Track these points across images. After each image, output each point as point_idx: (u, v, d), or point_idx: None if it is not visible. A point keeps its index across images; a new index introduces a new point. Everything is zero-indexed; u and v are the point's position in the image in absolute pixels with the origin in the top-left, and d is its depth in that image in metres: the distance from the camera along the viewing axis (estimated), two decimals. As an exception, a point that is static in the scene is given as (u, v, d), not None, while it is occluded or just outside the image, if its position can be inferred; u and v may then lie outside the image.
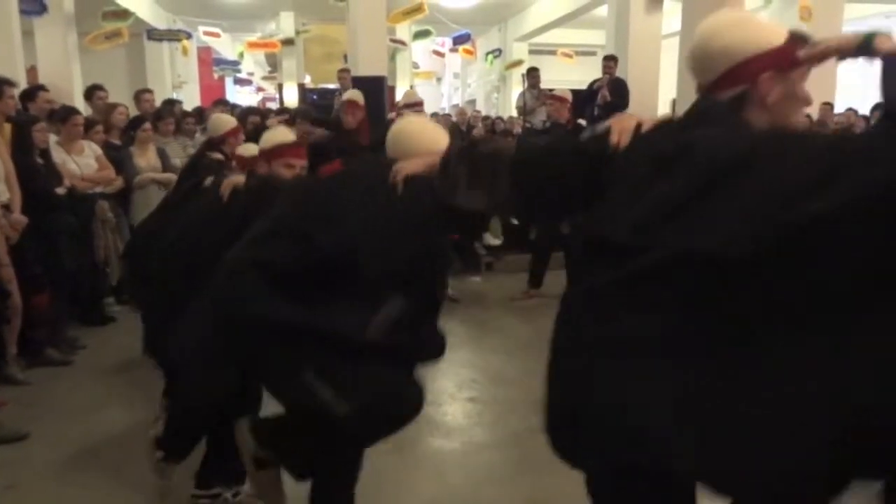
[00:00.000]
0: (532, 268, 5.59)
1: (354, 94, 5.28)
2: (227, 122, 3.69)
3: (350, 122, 5.08)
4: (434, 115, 9.14)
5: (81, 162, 4.63)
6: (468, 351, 4.33)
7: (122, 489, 2.74)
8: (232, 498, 2.54)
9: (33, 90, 4.86)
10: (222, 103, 6.60)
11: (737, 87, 1.26)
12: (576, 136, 6.90)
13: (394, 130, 1.93)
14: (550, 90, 8.40)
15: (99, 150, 4.80)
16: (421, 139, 1.84)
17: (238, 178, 2.45)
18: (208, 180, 2.68)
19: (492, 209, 1.44)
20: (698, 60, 1.31)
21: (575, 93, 7.68)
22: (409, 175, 1.56)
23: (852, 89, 12.92)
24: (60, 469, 2.89)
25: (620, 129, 1.30)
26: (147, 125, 5.21)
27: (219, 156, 3.31)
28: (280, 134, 2.63)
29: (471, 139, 1.52)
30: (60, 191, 4.18)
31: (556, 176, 1.36)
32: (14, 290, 3.63)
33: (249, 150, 2.84)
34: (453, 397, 3.67)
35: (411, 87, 10.22)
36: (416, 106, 5.52)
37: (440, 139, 1.85)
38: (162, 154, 5.20)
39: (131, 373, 3.82)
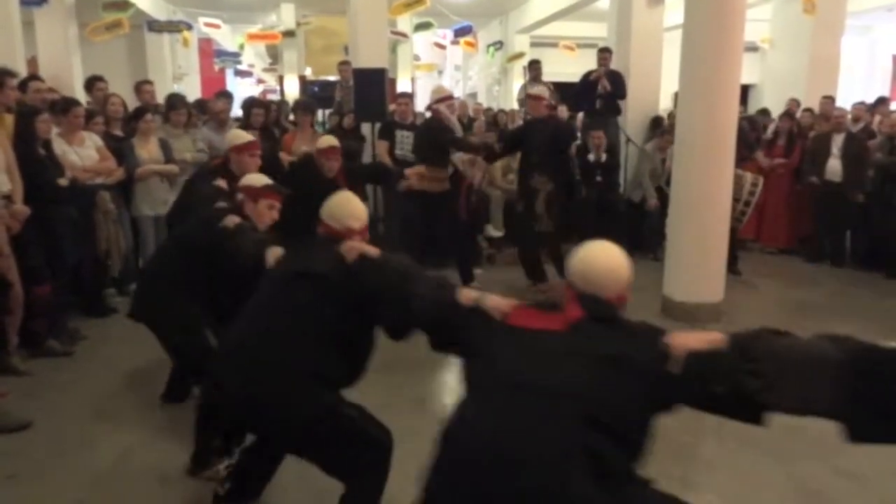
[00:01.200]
0: (521, 263, 5.57)
1: (330, 140, 4.47)
2: (240, 137, 3.71)
3: (331, 169, 4.31)
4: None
5: (82, 153, 4.62)
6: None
7: (125, 477, 2.76)
8: (224, 470, 2.61)
9: (24, 80, 4.80)
10: (224, 94, 6.57)
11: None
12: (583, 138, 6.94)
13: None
14: (552, 83, 8.42)
15: (100, 142, 4.79)
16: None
17: (233, 220, 2.73)
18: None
19: (800, 412, 1.42)
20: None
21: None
22: (691, 352, 1.55)
23: (855, 80, 12.87)
24: (61, 459, 2.91)
25: None
26: (149, 116, 5.17)
27: (223, 183, 3.31)
28: (262, 178, 2.93)
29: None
30: (62, 182, 4.18)
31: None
32: (15, 280, 3.64)
33: (257, 179, 2.95)
34: (452, 389, 3.68)
35: (439, 82, 10.08)
36: (447, 100, 5.44)
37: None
38: (164, 145, 5.18)
39: (132, 363, 3.84)
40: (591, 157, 6.89)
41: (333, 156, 4.31)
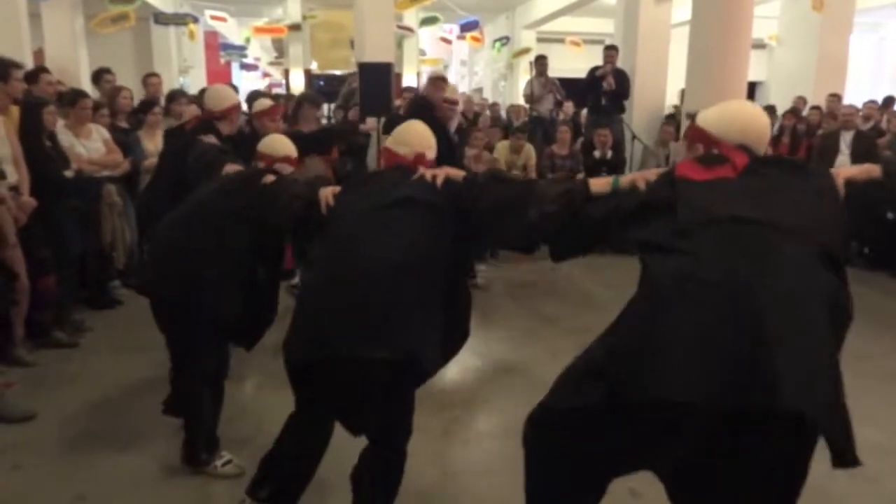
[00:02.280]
0: None
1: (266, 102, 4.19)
2: (228, 97, 3.49)
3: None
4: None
5: (89, 145, 4.63)
6: (472, 338, 4.30)
7: (129, 469, 2.77)
8: (221, 467, 2.62)
9: (36, 72, 4.84)
10: (230, 88, 6.57)
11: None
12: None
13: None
14: (558, 79, 8.40)
15: (107, 134, 4.80)
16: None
17: (269, 178, 2.46)
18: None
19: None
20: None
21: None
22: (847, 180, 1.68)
23: (863, 79, 12.80)
24: (67, 449, 2.92)
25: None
26: (157, 109, 5.19)
27: (212, 139, 3.15)
28: (283, 146, 2.75)
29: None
30: (68, 174, 4.18)
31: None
32: (22, 272, 3.65)
33: (278, 147, 2.72)
34: (456, 385, 3.68)
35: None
36: (437, 82, 5.26)
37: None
38: (169, 138, 5.19)
39: (137, 355, 3.85)
40: (597, 153, 6.88)
41: (275, 116, 3.98)
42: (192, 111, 4.65)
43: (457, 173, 2.03)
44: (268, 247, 2.46)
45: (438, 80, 4.67)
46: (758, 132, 1.70)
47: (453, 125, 5.32)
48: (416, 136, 2.18)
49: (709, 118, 1.73)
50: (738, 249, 1.44)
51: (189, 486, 2.65)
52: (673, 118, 7.14)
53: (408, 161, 2.12)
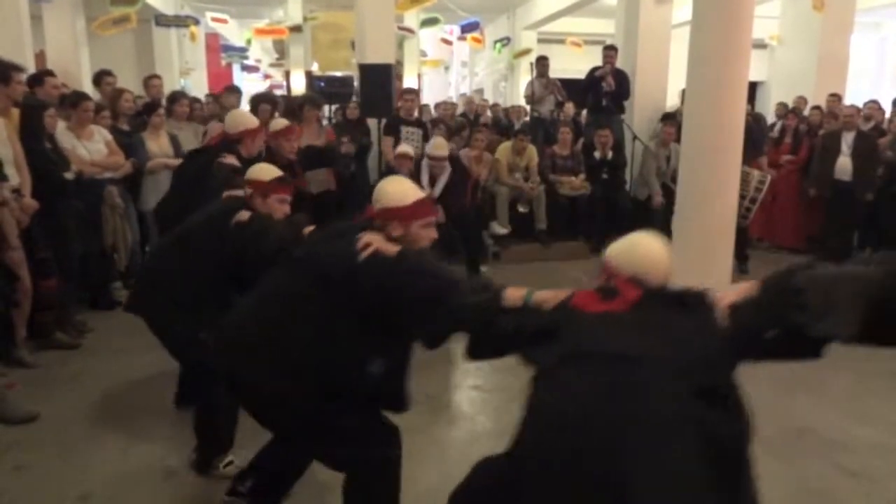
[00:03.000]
0: None
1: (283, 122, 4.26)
2: (242, 122, 3.55)
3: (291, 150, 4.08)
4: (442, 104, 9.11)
5: (91, 147, 4.64)
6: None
7: (131, 469, 2.78)
8: (222, 468, 2.62)
9: (41, 75, 4.86)
10: (233, 89, 6.59)
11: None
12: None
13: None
14: (559, 79, 8.40)
15: (109, 136, 4.81)
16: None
17: (244, 215, 2.54)
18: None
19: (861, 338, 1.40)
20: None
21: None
22: (731, 305, 1.58)
23: (864, 78, 12.78)
24: (69, 450, 2.92)
25: None
26: (161, 111, 5.21)
27: (233, 160, 3.27)
28: (270, 170, 2.69)
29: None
30: (69, 176, 4.20)
31: None
32: (24, 273, 3.66)
33: (265, 173, 2.72)
34: (458, 386, 3.69)
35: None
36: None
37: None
38: (174, 140, 5.21)
39: (138, 356, 3.85)
40: (597, 154, 6.89)
41: (291, 136, 4.07)
42: (216, 129, 4.74)
43: (388, 250, 1.94)
44: (246, 274, 2.43)
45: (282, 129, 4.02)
46: (652, 264, 1.71)
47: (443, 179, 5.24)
48: (382, 189, 2.10)
49: (613, 249, 1.78)
50: (607, 388, 1.47)
51: (191, 485, 2.66)
52: (672, 118, 7.15)
53: (370, 214, 2.08)
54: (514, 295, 1.83)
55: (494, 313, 1.80)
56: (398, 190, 2.08)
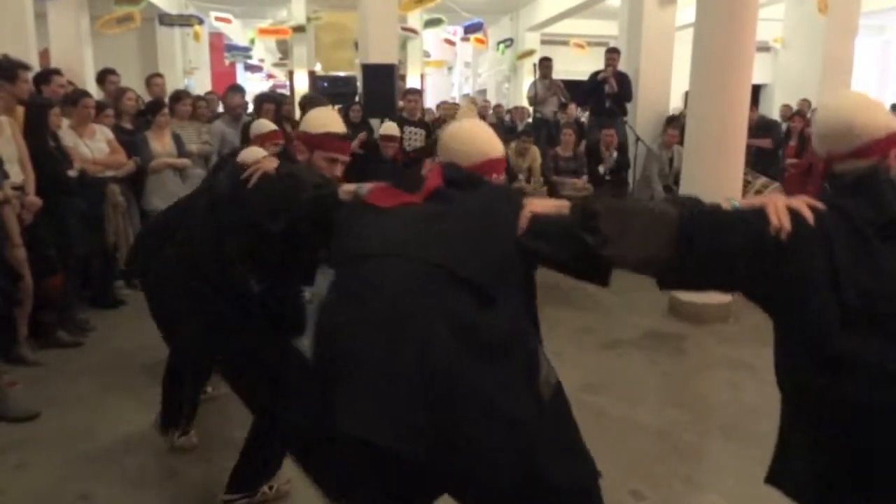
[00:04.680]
0: None
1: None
2: (265, 126, 3.81)
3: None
4: (442, 103, 9.11)
5: (93, 146, 4.64)
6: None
7: (132, 468, 2.78)
8: (269, 491, 2.52)
9: (48, 73, 4.87)
10: (236, 89, 6.59)
11: (867, 160, 1.45)
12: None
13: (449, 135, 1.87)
14: (562, 81, 8.40)
15: (111, 134, 4.81)
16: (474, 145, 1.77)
17: (270, 163, 2.15)
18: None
19: (640, 266, 1.45)
20: (836, 132, 1.49)
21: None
22: (537, 215, 1.57)
23: (868, 81, 12.75)
24: (70, 448, 2.92)
25: (776, 210, 1.36)
26: (165, 110, 5.21)
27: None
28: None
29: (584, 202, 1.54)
30: (72, 174, 4.20)
31: (725, 253, 1.38)
32: (25, 272, 3.66)
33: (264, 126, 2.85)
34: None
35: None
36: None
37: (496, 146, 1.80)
38: (177, 139, 5.21)
39: (140, 354, 3.85)
40: (604, 153, 6.89)
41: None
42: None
43: (269, 167, 2.16)
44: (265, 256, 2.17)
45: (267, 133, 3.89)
46: (458, 150, 1.71)
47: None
48: (305, 117, 2.33)
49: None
50: (359, 286, 1.52)
51: (192, 485, 2.66)
52: (676, 120, 7.13)
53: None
54: (346, 189, 1.87)
55: (331, 204, 1.85)
56: (319, 117, 2.17)
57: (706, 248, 1.38)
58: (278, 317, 2.24)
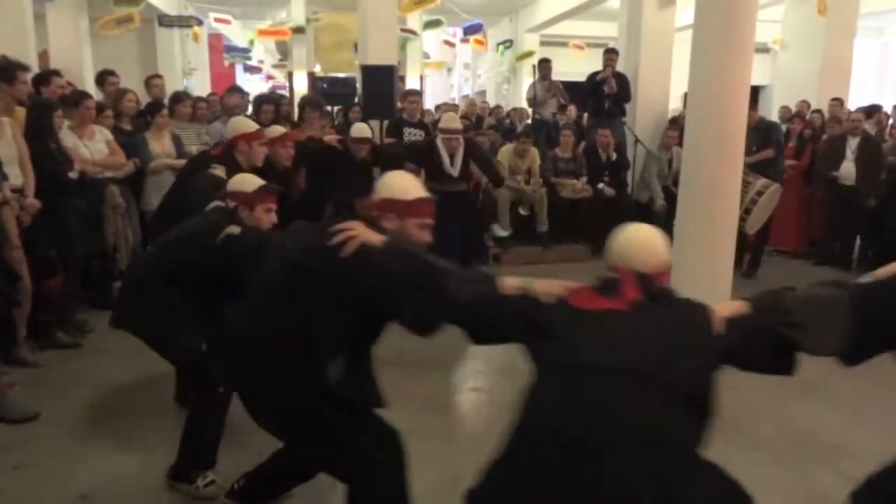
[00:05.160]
0: None
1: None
2: (242, 125, 3.67)
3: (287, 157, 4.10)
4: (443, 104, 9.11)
5: (93, 147, 4.64)
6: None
7: (131, 469, 2.77)
8: (203, 487, 2.57)
9: (47, 74, 4.87)
10: (236, 90, 6.60)
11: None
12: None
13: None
14: (562, 82, 8.41)
15: (110, 136, 4.81)
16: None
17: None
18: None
19: (831, 351, 1.56)
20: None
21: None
22: (726, 318, 1.65)
23: (867, 83, 12.76)
24: (69, 449, 2.93)
25: None
26: (165, 111, 5.21)
27: (221, 172, 3.25)
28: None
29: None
30: (72, 175, 4.20)
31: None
32: (24, 273, 3.66)
33: (247, 183, 2.71)
34: (459, 388, 3.68)
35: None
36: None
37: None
38: (176, 140, 5.21)
39: (139, 356, 3.84)
40: (602, 154, 6.89)
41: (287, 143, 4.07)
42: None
43: (372, 238, 1.86)
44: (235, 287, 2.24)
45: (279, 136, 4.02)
46: (650, 254, 1.74)
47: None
48: (386, 183, 2.08)
49: (613, 239, 1.80)
50: (589, 401, 1.50)
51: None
52: (677, 122, 7.14)
53: (367, 204, 2.05)
54: (510, 284, 1.80)
55: (493, 299, 1.77)
56: (403, 183, 2.06)
57: (882, 320, 1.54)
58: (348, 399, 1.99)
